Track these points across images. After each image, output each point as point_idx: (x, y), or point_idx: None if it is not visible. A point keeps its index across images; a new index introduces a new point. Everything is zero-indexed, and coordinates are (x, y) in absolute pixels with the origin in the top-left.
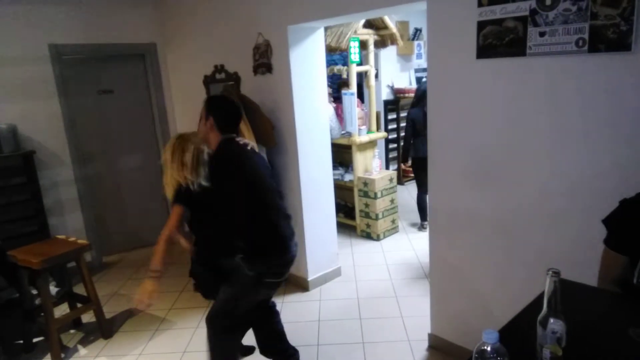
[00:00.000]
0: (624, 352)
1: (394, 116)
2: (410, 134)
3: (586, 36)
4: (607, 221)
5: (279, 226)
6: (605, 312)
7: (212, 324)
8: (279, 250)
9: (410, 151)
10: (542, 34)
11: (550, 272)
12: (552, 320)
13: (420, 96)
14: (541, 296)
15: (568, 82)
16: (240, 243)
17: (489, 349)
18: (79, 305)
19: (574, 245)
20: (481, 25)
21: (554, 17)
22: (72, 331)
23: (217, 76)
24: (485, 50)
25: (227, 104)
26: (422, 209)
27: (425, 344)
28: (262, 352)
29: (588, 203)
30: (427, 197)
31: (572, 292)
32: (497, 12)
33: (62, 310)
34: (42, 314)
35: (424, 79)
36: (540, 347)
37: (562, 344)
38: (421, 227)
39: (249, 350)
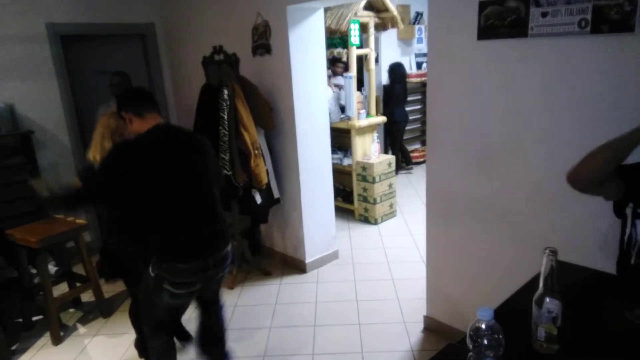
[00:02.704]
0: (620, 333)
1: None
2: (394, 104)
3: (589, 17)
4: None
5: (179, 229)
6: (602, 293)
7: (138, 323)
8: (173, 256)
9: (393, 117)
10: (544, 15)
11: (547, 251)
12: (547, 299)
13: (400, 75)
14: (538, 276)
15: (570, 63)
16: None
17: (483, 326)
18: (78, 284)
19: (572, 229)
20: (483, 5)
21: None
22: (71, 310)
23: (216, 57)
24: (486, 31)
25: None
26: (400, 156)
27: (421, 326)
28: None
29: None
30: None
31: (569, 274)
32: None
33: (61, 289)
34: (42, 292)
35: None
36: (535, 326)
37: (558, 323)
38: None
39: (188, 336)
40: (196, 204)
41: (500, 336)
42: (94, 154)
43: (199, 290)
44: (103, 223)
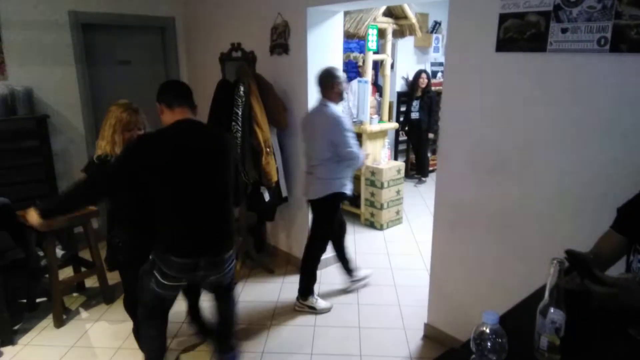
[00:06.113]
0: (622, 348)
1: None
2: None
3: (609, 35)
4: (620, 207)
5: (186, 224)
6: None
7: (132, 313)
8: (171, 248)
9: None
10: (564, 31)
11: (555, 262)
12: (552, 309)
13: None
14: (544, 287)
15: (587, 80)
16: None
17: (488, 330)
18: (83, 269)
19: (579, 242)
20: (503, 17)
21: (577, 14)
22: (75, 294)
23: (234, 54)
24: (505, 43)
25: (166, 82)
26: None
27: (421, 333)
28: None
29: (596, 202)
30: None
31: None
32: (520, 5)
33: (66, 273)
34: (47, 275)
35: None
36: (538, 335)
37: (561, 334)
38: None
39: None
40: (208, 202)
41: (504, 340)
42: (104, 146)
43: (185, 285)
44: (108, 214)
